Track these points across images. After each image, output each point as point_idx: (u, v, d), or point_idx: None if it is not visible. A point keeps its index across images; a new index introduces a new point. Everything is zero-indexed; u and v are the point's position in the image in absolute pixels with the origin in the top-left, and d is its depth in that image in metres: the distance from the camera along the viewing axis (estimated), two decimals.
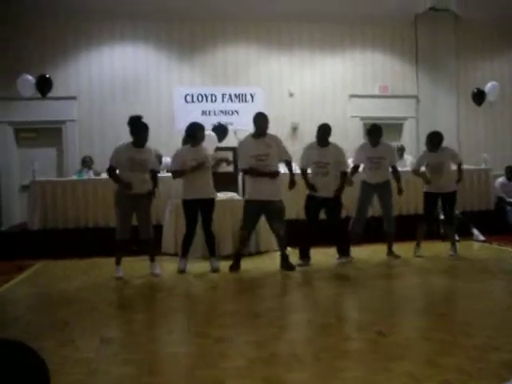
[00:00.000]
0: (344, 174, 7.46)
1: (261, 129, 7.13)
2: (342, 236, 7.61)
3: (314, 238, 7.54)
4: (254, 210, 7.10)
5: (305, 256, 7.49)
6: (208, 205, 7.20)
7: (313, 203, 7.39)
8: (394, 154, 8.13)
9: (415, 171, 8.16)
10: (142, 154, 6.92)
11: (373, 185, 7.87)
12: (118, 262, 7.02)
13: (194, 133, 7.19)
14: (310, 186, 7.39)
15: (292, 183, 7.14)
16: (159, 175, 7.52)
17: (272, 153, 7.09)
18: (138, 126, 6.93)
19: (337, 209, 7.48)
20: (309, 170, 7.57)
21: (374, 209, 8.41)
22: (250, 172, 7.07)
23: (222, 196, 8.01)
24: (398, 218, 8.97)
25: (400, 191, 7.89)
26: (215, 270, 7.17)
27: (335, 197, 7.39)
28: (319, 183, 7.35)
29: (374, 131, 7.89)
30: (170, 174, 7.62)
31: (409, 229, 8.24)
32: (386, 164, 7.88)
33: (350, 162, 8.01)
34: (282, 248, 7.30)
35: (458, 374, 3.43)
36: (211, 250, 7.32)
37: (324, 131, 7.46)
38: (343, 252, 7.56)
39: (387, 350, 4.02)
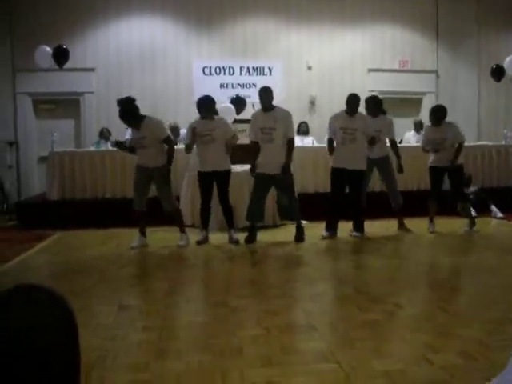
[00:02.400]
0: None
1: (266, 103, 7.14)
2: (358, 211, 7.58)
3: (340, 212, 7.50)
4: (263, 182, 7.14)
5: (330, 228, 7.49)
6: (222, 177, 7.20)
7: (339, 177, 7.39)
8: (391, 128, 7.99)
9: (424, 149, 8.02)
10: (139, 133, 6.90)
11: (371, 159, 7.75)
12: (141, 232, 7.09)
13: (200, 106, 7.18)
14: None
15: (287, 164, 7.15)
16: (178, 147, 7.53)
17: (278, 127, 7.10)
18: (122, 111, 6.84)
19: (361, 183, 7.47)
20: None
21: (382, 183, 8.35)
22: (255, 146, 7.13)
23: (238, 168, 8.01)
24: (408, 193, 8.96)
25: (400, 169, 7.81)
26: (234, 242, 7.20)
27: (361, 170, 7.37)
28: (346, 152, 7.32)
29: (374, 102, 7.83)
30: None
31: (419, 204, 8.20)
32: (383, 138, 7.80)
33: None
34: (296, 219, 7.39)
35: (476, 346, 3.43)
36: (229, 222, 7.34)
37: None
38: (358, 227, 7.53)
39: (404, 322, 4.04)
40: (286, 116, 7.20)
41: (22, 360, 0.89)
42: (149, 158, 6.94)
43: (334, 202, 7.42)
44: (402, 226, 7.97)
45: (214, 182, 7.22)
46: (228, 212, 7.31)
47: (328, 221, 7.51)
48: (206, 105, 7.16)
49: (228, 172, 7.24)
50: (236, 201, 7.78)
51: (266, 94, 7.18)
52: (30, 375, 0.89)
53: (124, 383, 3.03)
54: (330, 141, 7.45)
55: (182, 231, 7.21)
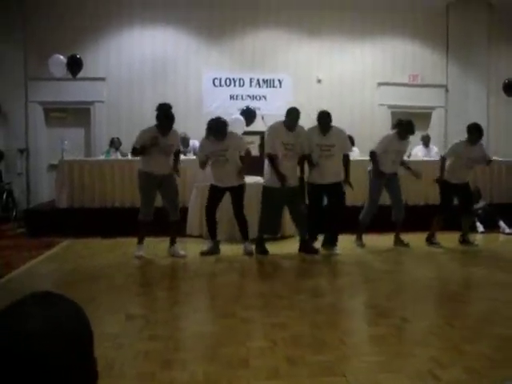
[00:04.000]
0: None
1: (292, 123, 7.22)
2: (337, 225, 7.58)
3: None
4: (274, 196, 7.18)
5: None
6: (238, 191, 7.24)
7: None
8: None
9: (443, 159, 7.98)
10: (167, 140, 6.94)
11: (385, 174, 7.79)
12: (139, 241, 7.11)
13: (213, 129, 7.18)
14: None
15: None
16: (186, 157, 7.56)
17: (297, 144, 7.23)
18: (166, 116, 6.90)
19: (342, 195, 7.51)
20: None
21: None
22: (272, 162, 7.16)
23: (247, 180, 8.02)
24: (415, 208, 8.96)
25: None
26: (248, 253, 7.22)
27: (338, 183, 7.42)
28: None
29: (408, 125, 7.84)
30: (195, 157, 7.70)
31: (419, 219, 8.20)
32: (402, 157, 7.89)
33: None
34: (302, 232, 7.42)
35: (483, 362, 3.42)
36: (244, 234, 7.38)
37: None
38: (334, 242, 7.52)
39: (411, 336, 4.02)
40: (306, 133, 7.34)
41: (39, 363, 0.92)
42: (162, 165, 6.97)
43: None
44: (398, 240, 7.92)
45: (223, 196, 7.27)
46: (243, 224, 7.33)
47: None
48: (220, 128, 7.13)
49: (243, 186, 7.28)
50: (246, 212, 7.77)
51: (297, 115, 7.25)
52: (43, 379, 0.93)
53: None
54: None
55: (175, 242, 7.24)
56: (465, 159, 7.78)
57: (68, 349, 0.96)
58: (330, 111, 7.35)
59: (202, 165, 7.30)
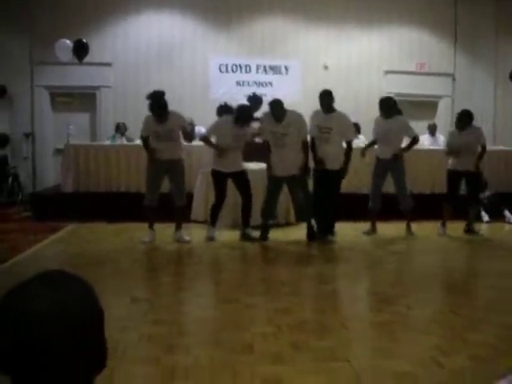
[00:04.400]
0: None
1: (277, 115, 7.08)
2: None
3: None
4: (276, 183, 7.17)
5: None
6: (241, 176, 7.25)
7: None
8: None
9: (447, 153, 7.96)
10: (166, 126, 6.91)
11: (385, 160, 7.70)
12: (150, 226, 7.13)
13: (245, 117, 7.16)
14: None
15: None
16: (192, 144, 7.60)
17: (290, 133, 7.08)
18: (156, 105, 6.81)
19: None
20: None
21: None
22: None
23: (253, 166, 8.02)
24: (422, 196, 8.93)
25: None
26: (246, 239, 7.24)
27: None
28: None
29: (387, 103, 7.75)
30: (201, 143, 7.67)
31: (433, 207, 8.17)
32: (398, 139, 7.73)
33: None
34: (305, 219, 7.44)
35: (487, 350, 3.43)
36: (246, 219, 7.38)
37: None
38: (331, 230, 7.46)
39: (415, 323, 4.03)
40: (298, 119, 7.18)
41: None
42: (169, 150, 6.94)
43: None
44: (409, 229, 7.88)
45: (227, 183, 7.28)
46: (248, 209, 7.35)
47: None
48: (248, 115, 7.21)
49: (243, 172, 7.34)
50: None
51: (277, 106, 7.11)
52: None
53: (133, 375, 3.06)
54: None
55: (181, 227, 7.25)
56: (457, 146, 7.74)
57: (71, 335, 0.95)
58: (336, 98, 7.26)
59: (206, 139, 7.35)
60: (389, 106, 7.67)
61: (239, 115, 7.11)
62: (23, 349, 0.93)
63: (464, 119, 7.79)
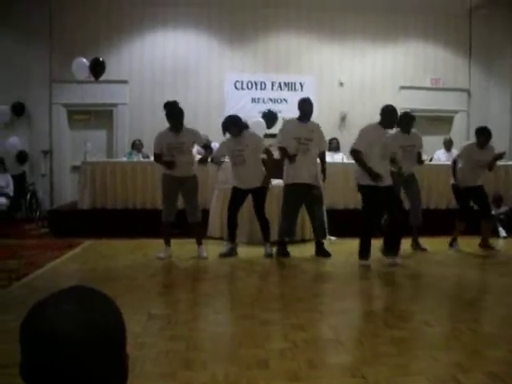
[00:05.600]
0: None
1: (307, 113, 7.21)
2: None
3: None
4: (295, 194, 7.16)
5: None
6: (260, 192, 7.25)
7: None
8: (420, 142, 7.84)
9: (455, 162, 7.95)
10: (179, 138, 6.97)
11: (401, 176, 7.67)
12: (166, 243, 7.16)
13: (226, 127, 7.24)
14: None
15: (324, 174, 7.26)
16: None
17: (314, 139, 7.22)
18: (172, 111, 7.00)
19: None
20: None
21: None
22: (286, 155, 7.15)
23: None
24: (437, 211, 8.91)
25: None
26: (268, 255, 7.23)
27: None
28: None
29: (407, 119, 7.74)
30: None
31: (440, 223, 8.14)
32: (414, 154, 7.72)
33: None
34: (321, 236, 7.47)
35: (504, 367, 3.40)
36: (265, 236, 7.38)
37: None
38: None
39: (433, 340, 4.00)
40: (319, 127, 7.34)
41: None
42: (181, 166, 6.98)
43: None
44: (416, 244, 7.86)
45: (245, 198, 7.29)
46: (265, 225, 7.35)
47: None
48: (234, 125, 7.19)
49: (265, 188, 7.28)
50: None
51: (309, 105, 7.23)
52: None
53: None
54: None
55: (201, 243, 7.27)
56: (474, 162, 7.73)
57: (99, 352, 0.97)
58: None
59: (216, 160, 7.49)
60: (409, 122, 7.68)
61: (223, 126, 7.22)
62: (53, 369, 0.94)
63: (483, 136, 7.76)
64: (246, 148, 7.14)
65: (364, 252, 6.72)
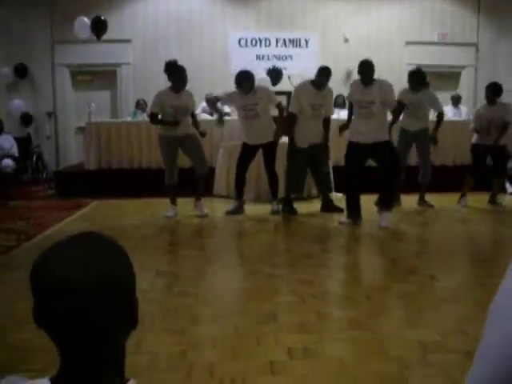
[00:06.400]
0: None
1: (322, 81, 7.13)
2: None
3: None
4: (301, 153, 7.16)
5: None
6: (270, 148, 7.20)
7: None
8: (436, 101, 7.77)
9: (476, 130, 7.89)
10: (182, 100, 6.87)
11: (411, 132, 7.65)
12: (172, 202, 7.17)
13: (239, 83, 7.10)
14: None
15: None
16: (213, 118, 7.60)
17: (326, 104, 7.24)
18: (173, 70, 6.85)
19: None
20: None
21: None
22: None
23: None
24: (445, 167, 8.88)
25: (434, 140, 7.62)
26: (275, 212, 7.25)
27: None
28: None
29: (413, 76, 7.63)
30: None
31: (456, 179, 8.11)
32: (425, 110, 7.67)
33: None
34: (328, 190, 7.56)
35: None
36: (273, 192, 7.37)
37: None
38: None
39: (440, 293, 4.02)
40: (331, 94, 7.38)
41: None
42: (183, 126, 6.90)
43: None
44: (423, 201, 7.85)
45: (255, 155, 7.27)
46: (274, 181, 7.34)
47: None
48: (248, 80, 7.05)
49: (274, 143, 7.23)
50: None
51: (327, 76, 7.16)
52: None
53: (161, 345, 3.10)
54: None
55: (200, 199, 7.23)
56: (486, 121, 7.67)
57: (113, 299, 0.97)
58: (357, 69, 7.15)
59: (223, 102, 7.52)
60: (419, 79, 7.57)
61: (236, 81, 7.10)
62: (65, 315, 0.94)
63: (490, 92, 7.68)
64: (260, 101, 7.07)
65: (348, 210, 6.66)
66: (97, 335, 0.98)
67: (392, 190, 6.63)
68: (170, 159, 7.07)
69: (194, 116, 7.18)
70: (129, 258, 1.04)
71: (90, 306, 0.94)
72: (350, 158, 6.50)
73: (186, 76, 6.87)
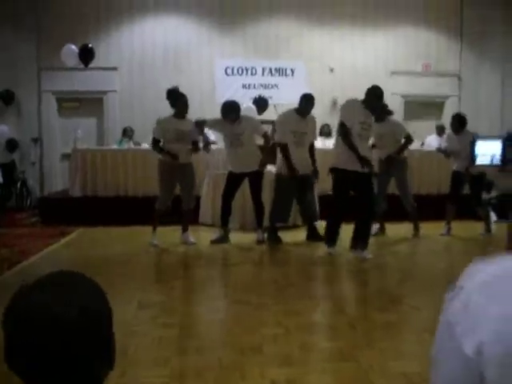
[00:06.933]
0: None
1: (307, 108, 7.22)
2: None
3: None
4: (289, 183, 7.17)
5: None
6: (255, 176, 7.23)
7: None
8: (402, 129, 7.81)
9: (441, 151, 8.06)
10: (185, 126, 6.99)
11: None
12: (154, 229, 7.15)
13: (225, 113, 7.15)
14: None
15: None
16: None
17: (309, 131, 7.27)
18: (177, 96, 7.00)
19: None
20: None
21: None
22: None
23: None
24: (429, 197, 8.95)
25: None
26: (260, 242, 7.25)
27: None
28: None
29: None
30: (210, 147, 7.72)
31: (437, 208, 8.18)
32: (396, 138, 7.67)
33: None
34: (313, 219, 7.51)
35: None
36: (259, 221, 7.37)
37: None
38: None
39: (423, 324, 4.03)
40: (314, 121, 7.44)
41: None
42: (183, 154, 6.97)
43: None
44: (416, 229, 7.88)
45: (241, 183, 7.29)
46: (260, 211, 7.34)
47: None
48: (234, 111, 7.12)
49: (260, 172, 7.26)
50: None
51: (311, 103, 7.24)
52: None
53: (144, 377, 3.07)
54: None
55: (187, 229, 7.28)
56: (455, 149, 7.81)
57: (89, 336, 0.97)
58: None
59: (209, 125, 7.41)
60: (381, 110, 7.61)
61: (222, 112, 7.15)
62: (44, 354, 0.94)
63: (455, 123, 7.93)
64: (246, 131, 7.13)
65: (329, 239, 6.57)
66: (71, 375, 0.96)
67: (367, 227, 6.51)
68: (167, 186, 7.10)
69: (194, 143, 7.21)
70: (105, 295, 1.04)
71: (70, 343, 0.94)
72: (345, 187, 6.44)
73: (187, 101, 7.02)
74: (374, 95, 6.58)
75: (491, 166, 8.05)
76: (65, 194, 9.63)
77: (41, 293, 0.98)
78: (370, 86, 6.90)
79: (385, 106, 7.66)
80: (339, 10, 12.36)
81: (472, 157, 7.81)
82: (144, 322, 4.11)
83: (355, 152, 6.20)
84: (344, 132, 6.33)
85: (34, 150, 11.98)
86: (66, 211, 8.82)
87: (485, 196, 8.58)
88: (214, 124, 7.43)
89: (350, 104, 6.67)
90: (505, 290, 0.72)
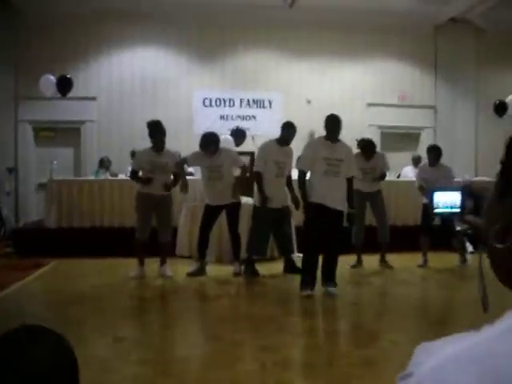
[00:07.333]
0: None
1: (290, 138, 7.27)
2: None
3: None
4: (266, 216, 7.15)
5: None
6: (232, 209, 7.21)
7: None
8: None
9: (420, 188, 8.09)
10: (162, 158, 7.02)
11: (365, 193, 7.78)
12: (140, 263, 7.09)
13: (205, 145, 7.14)
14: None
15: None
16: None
17: (288, 162, 7.30)
18: (155, 130, 7.03)
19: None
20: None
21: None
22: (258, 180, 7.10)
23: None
24: (405, 228, 9.00)
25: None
26: (237, 274, 7.19)
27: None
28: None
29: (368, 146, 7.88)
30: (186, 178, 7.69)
31: (413, 240, 8.22)
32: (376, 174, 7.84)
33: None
34: (290, 252, 7.49)
35: None
36: (235, 253, 7.34)
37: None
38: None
39: (402, 359, 3.98)
40: (292, 152, 7.43)
41: None
42: (159, 186, 6.96)
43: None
44: (384, 262, 7.90)
45: (219, 215, 7.26)
46: (237, 243, 7.30)
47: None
48: (213, 144, 7.10)
49: (237, 204, 7.25)
50: None
51: (293, 131, 7.29)
52: None
53: None
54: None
55: (165, 262, 7.23)
56: (429, 181, 7.85)
57: None
58: (319, 131, 7.31)
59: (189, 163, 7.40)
60: (372, 149, 7.85)
61: (202, 144, 7.15)
62: None
63: (438, 155, 7.97)
64: (225, 163, 7.14)
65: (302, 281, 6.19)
66: None
67: (335, 262, 6.33)
68: (144, 216, 7.09)
69: (176, 175, 7.19)
70: (71, 349, 1.01)
71: None
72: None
73: (163, 137, 7.04)
74: (331, 122, 6.71)
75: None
76: (40, 225, 9.50)
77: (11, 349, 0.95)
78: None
79: (373, 145, 7.80)
80: (316, 42, 12.53)
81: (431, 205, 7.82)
82: (118, 358, 4.02)
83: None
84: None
85: (9, 179, 11.84)
86: (41, 242, 8.69)
87: (460, 227, 8.64)
88: (194, 160, 7.37)
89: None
90: (458, 374, 0.68)
